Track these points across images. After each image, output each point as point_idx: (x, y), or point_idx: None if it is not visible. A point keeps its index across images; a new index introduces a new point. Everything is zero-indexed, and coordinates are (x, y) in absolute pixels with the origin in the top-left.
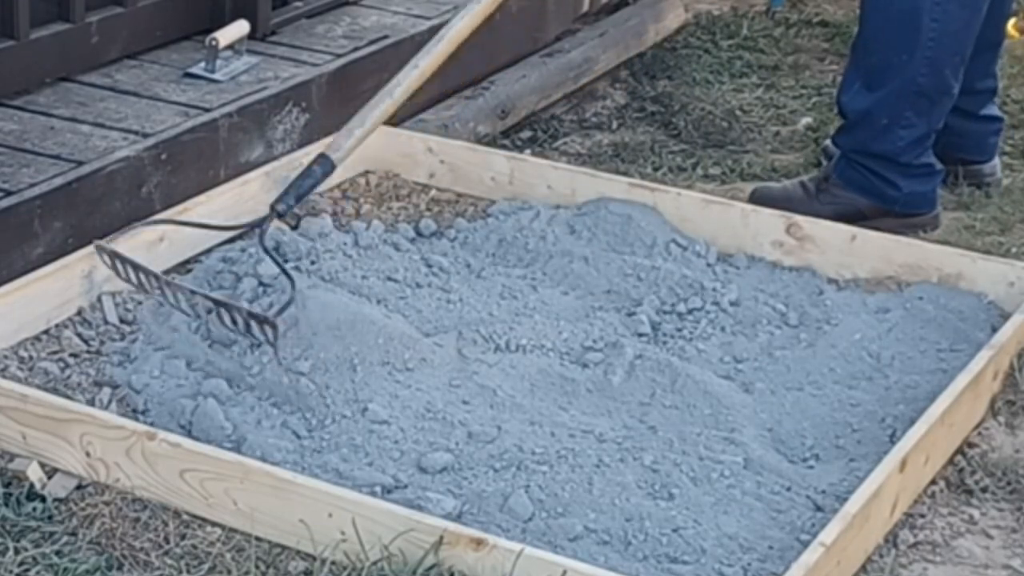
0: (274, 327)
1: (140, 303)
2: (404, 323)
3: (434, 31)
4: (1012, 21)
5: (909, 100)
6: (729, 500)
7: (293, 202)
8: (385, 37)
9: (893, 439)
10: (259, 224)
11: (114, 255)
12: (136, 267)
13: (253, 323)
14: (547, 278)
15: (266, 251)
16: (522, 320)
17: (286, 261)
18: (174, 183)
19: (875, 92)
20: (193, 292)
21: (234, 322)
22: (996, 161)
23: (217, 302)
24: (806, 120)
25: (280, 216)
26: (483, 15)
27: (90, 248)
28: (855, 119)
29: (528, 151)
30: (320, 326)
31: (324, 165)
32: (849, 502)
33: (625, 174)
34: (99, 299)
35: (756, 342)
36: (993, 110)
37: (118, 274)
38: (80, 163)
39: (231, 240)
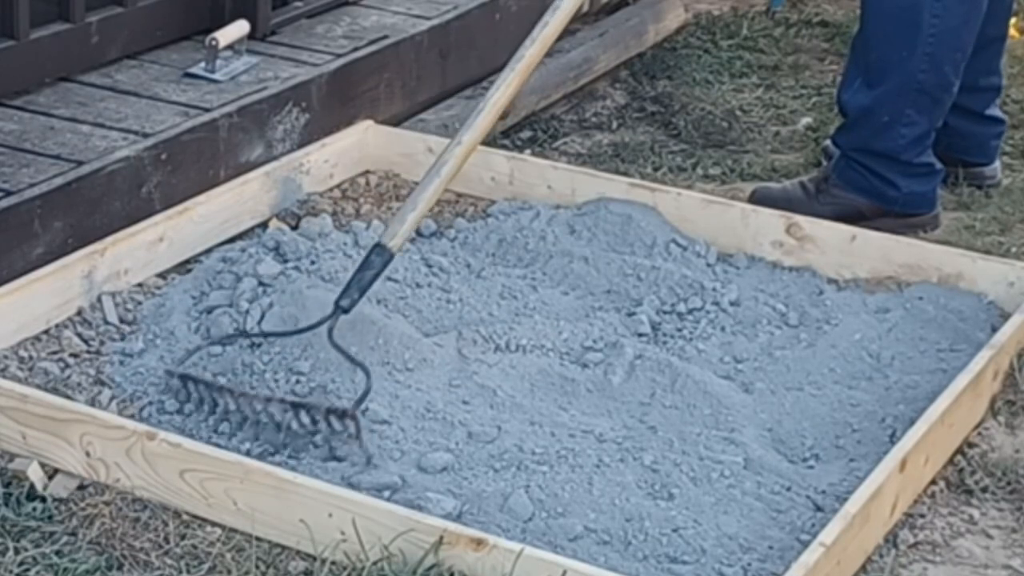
0: (355, 420)
1: (140, 303)
2: (404, 323)
3: (434, 31)
4: (1012, 21)
5: (910, 97)
6: (729, 500)
7: (357, 296)
8: (385, 37)
9: (893, 439)
10: (326, 321)
11: (184, 378)
12: (208, 385)
13: (333, 418)
14: (547, 278)
15: (336, 347)
16: (522, 320)
17: (286, 261)
18: (174, 183)
19: (875, 89)
20: (268, 399)
21: (313, 421)
22: (997, 164)
23: (295, 404)
24: (806, 120)
25: (345, 312)
26: (526, 72)
27: (90, 248)
28: (856, 116)
29: (528, 151)
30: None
31: (382, 255)
32: (849, 502)
33: (625, 174)
34: (99, 299)
35: (756, 342)
36: (997, 112)
37: (188, 398)
38: (80, 163)
39: (231, 240)
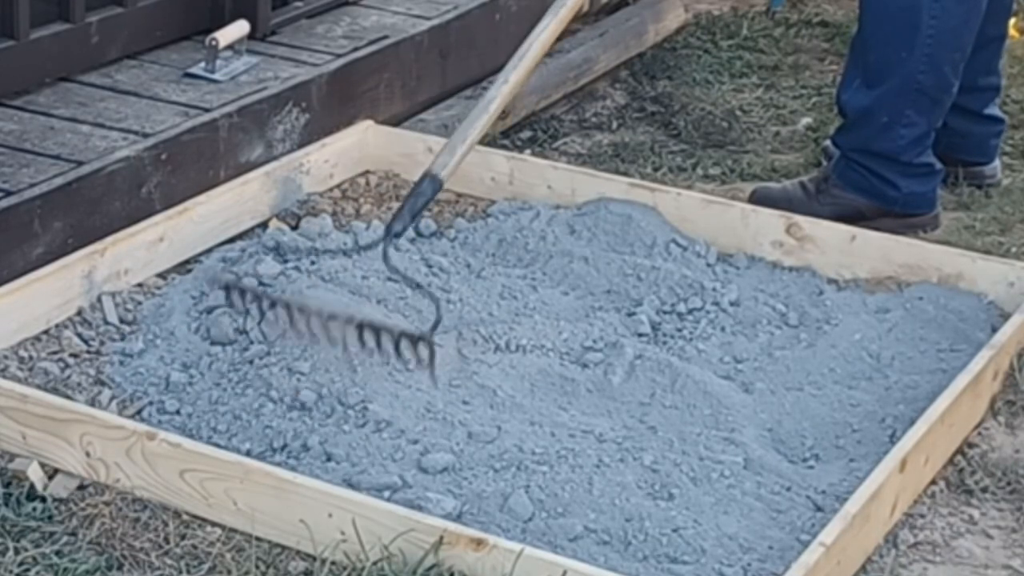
0: (430, 346)
1: (140, 303)
2: (404, 323)
3: (434, 31)
4: (1012, 21)
5: (909, 98)
6: (729, 500)
7: (409, 220)
8: (385, 37)
9: (893, 439)
10: (379, 243)
11: (230, 288)
12: (257, 296)
13: (405, 342)
14: (547, 278)
15: (395, 271)
16: (522, 320)
17: (285, 262)
18: (174, 183)
19: (874, 90)
20: (332, 316)
21: (378, 344)
22: (997, 163)
23: (362, 323)
24: (806, 120)
25: (397, 236)
26: (566, 21)
27: (90, 248)
28: (855, 117)
29: (528, 151)
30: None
31: (433, 183)
32: (849, 502)
33: (625, 174)
34: (99, 299)
35: (756, 342)
36: (996, 111)
37: (235, 306)
38: (80, 163)
39: (231, 240)
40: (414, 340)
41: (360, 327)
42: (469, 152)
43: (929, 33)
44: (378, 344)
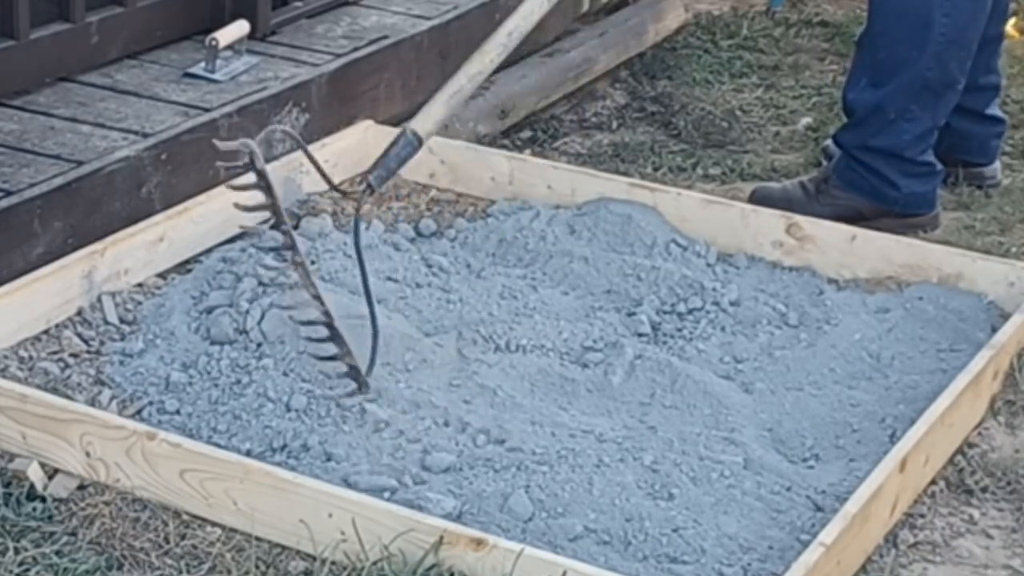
0: (364, 388)
1: (140, 303)
2: (404, 323)
3: (434, 31)
4: (1012, 21)
5: (915, 94)
6: (729, 500)
7: (385, 176)
8: (385, 37)
9: (893, 439)
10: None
11: (254, 163)
12: (275, 202)
13: (350, 373)
14: (547, 278)
15: (359, 252)
16: (522, 320)
17: (285, 261)
18: (174, 183)
19: (882, 88)
20: (318, 297)
21: (330, 357)
22: (997, 165)
23: (333, 331)
24: (806, 120)
25: (370, 193)
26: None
27: (90, 248)
28: (863, 115)
29: (528, 151)
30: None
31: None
32: (849, 502)
33: (625, 174)
34: (99, 299)
35: (756, 342)
36: (997, 111)
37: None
38: (80, 163)
39: (231, 240)
40: (357, 379)
41: (331, 330)
42: (451, 109)
43: (941, 31)
44: (331, 357)
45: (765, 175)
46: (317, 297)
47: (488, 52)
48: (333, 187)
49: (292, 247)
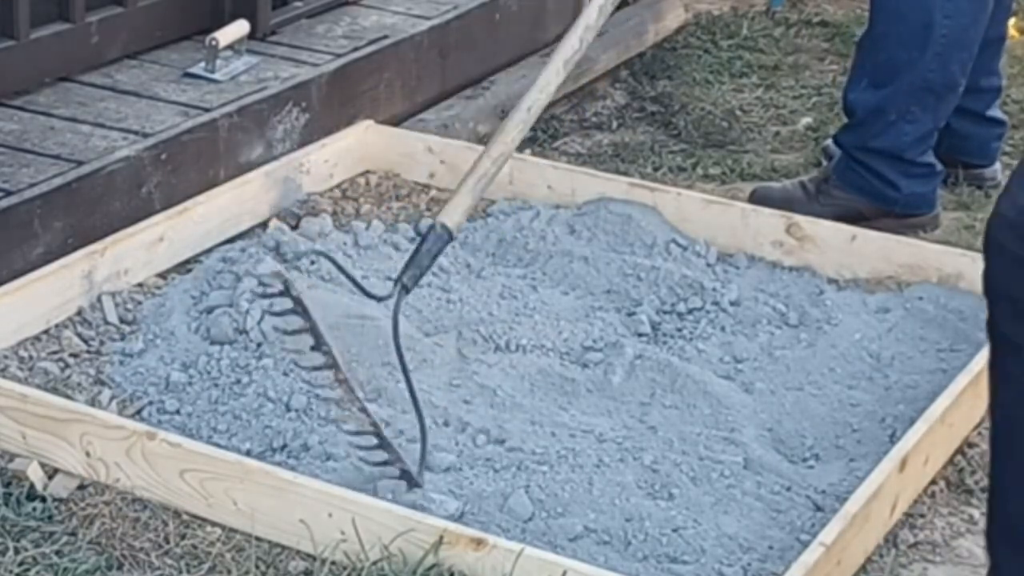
0: (418, 486)
1: (140, 303)
2: (404, 323)
3: (434, 31)
4: (1012, 21)
5: (916, 95)
6: (729, 500)
7: (419, 275)
8: (385, 37)
9: (893, 439)
10: (388, 298)
11: (289, 290)
12: (314, 325)
13: (400, 473)
14: (547, 278)
15: (396, 337)
16: (522, 320)
17: (285, 261)
18: (174, 183)
19: (883, 89)
20: (364, 410)
21: (383, 462)
22: (998, 166)
23: (382, 439)
24: (806, 120)
25: (407, 292)
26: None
27: (90, 248)
28: (864, 116)
29: (528, 151)
30: (320, 326)
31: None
32: (849, 502)
33: (625, 174)
34: (99, 299)
35: (756, 342)
36: (998, 113)
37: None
38: (80, 163)
39: (231, 240)
40: (410, 480)
41: (379, 438)
42: (477, 195)
43: (943, 33)
44: (384, 462)
45: (765, 175)
46: (364, 410)
47: (509, 131)
48: (368, 295)
49: (335, 366)
